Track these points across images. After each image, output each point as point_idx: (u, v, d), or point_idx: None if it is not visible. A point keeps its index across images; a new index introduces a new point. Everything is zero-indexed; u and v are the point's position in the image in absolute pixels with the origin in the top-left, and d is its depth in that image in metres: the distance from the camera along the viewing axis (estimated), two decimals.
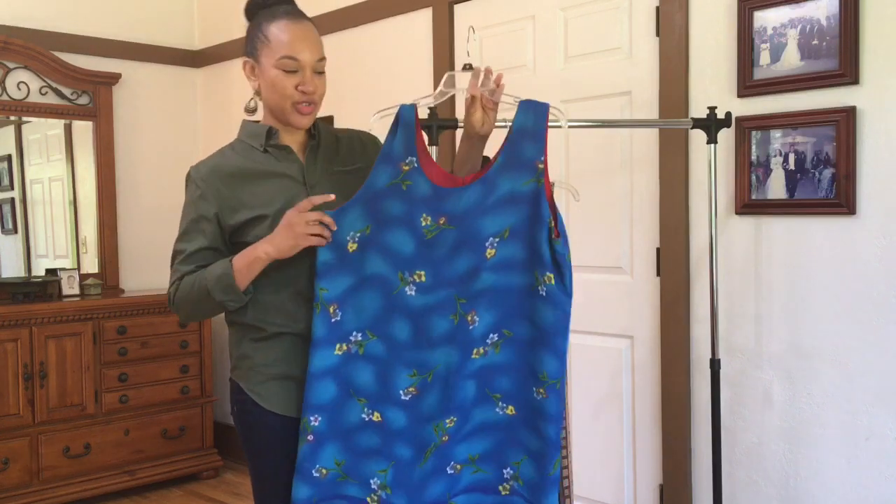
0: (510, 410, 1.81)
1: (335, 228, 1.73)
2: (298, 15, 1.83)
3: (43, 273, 4.05)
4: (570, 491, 2.12)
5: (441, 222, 1.75)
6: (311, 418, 1.76)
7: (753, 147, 2.48)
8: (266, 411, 1.83)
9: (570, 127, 2.92)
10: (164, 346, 4.03)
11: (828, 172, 2.33)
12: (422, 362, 1.78)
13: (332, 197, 1.72)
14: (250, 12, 1.88)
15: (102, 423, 3.84)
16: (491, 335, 1.79)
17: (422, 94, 1.77)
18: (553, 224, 1.74)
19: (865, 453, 2.34)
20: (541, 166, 1.74)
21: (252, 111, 1.88)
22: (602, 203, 2.89)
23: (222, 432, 4.36)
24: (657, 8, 2.72)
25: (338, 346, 1.77)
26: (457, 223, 1.75)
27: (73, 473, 3.74)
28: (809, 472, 2.44)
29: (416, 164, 1.74)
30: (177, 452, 4.08)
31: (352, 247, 1.75)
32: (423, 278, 1.76)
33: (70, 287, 3.98)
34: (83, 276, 4.11)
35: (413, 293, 1.76)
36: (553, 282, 1.74)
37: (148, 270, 4.41)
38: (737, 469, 2.59)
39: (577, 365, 2.93)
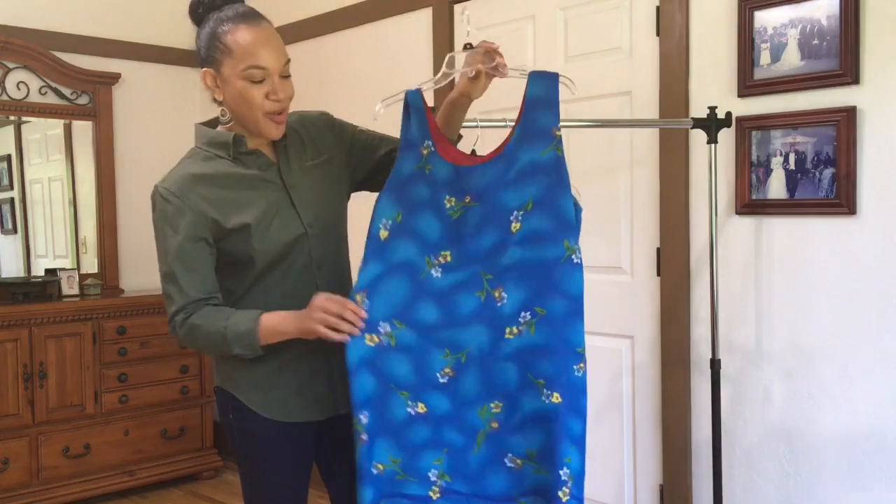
0: (556, 398, 1.72)
1: (363, 319, 1.70)
2: (255, 16, 1.69)
3: (42, 273, 4.04)
4: None
5: (466, 200, 1.75)
6: (361, 416, 1.72)
7: (754, 147, 2.48)
8: (262, 417, 1.80)
9: (574, 127, 2.94)
10: (163, 346, 4.03)
11: (828, 172, 2.33)
12: (453, 342, 1.75)
13: (365, 316, 1.69)
14: (197, 15, 1.73)
15: (102, 424, 3.84)
16: (523, 313, 1.74)
17: (424, 79, 1.79)
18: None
19: (865, 453, 2.34)
20: (557, 133, 1.73)
21: (227, 123, 1.80)
22: (602, 203, 2.89)
23: (222, 433, 4.35)
24: (657, 8, 2.72)
25: (367, 336, 1.72)
26: (480, 199, 1.74)
27: (73, 474, 3.74)
28: (809, 472, 2.44)
29: (432, 148, 1.75)
30: (176, 452, 4.08)
31: (383, 234, 1.75)
32: (449, 258, 1.76)
33: (70, 287, 3.98)
34: (83, 277, 4.11)
35: (439, 275, 1.75)
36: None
37: (148, 271, 4.40)
38: (737, 469, 2.59)
39: None
